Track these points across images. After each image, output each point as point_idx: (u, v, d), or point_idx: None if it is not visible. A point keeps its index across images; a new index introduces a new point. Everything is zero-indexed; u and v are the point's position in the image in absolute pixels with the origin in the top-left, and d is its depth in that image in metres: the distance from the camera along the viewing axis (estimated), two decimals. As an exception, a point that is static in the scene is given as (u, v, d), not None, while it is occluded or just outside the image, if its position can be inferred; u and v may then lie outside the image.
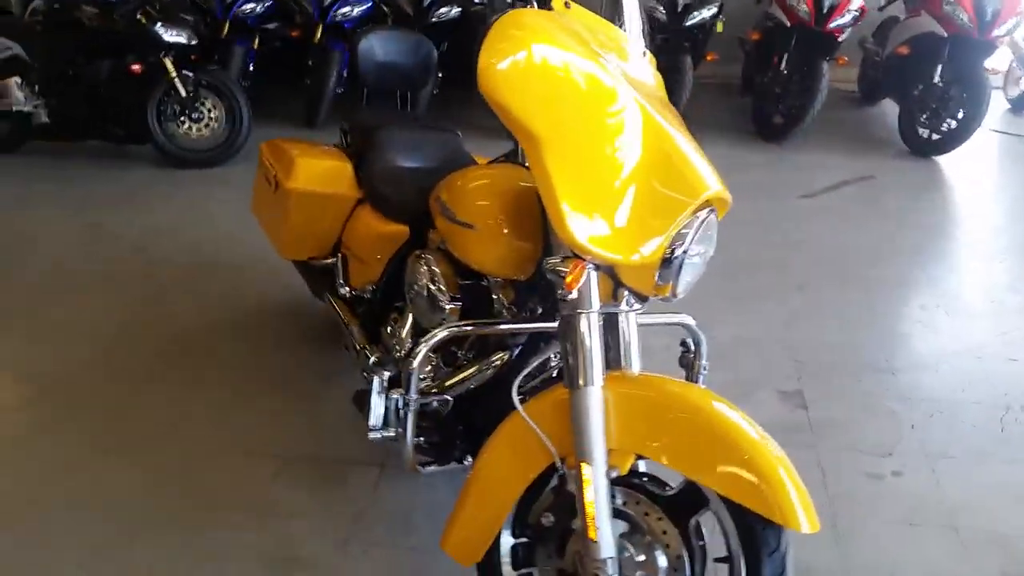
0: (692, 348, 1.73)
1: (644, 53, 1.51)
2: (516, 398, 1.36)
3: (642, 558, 1.32)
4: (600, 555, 1.27)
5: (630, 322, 1.41)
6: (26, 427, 2.31)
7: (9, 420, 2.36)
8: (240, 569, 1.79)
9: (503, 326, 1.59)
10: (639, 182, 1.24)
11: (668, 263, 1.24)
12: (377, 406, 1.57)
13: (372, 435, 1.60)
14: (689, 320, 1.72)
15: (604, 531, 1.27)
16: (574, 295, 1.29)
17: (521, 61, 1.19)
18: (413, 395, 1.56)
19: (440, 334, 1.52)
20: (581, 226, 1.20)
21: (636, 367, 1.41)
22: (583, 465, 1.27)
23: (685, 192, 1.23)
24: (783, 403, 2.49)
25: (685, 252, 1.24)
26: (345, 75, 5.19)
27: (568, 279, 1.26)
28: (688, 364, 1.73)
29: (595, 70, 1.23)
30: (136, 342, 2.77)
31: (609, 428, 1.29)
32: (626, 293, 1.37)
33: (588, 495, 1.26)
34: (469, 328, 1.57)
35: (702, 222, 1.25)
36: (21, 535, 1.88)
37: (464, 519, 1.42)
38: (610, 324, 1.41)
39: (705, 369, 1.72)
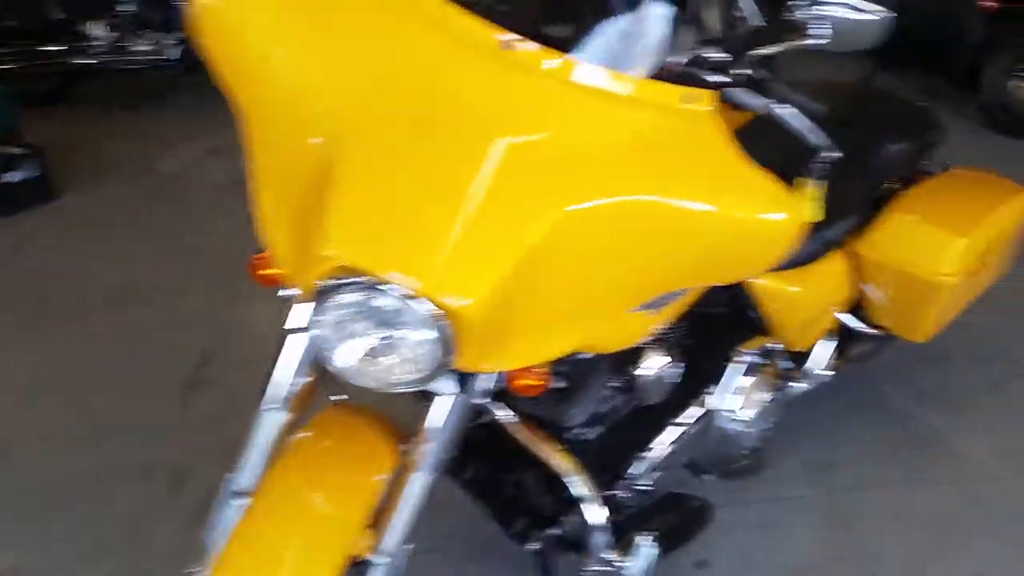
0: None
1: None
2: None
3: None
4: None
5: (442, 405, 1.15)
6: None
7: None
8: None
9: None
10: (308, 209, 0.99)
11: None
12: None
13: None
14: None
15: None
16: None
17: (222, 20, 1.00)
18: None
19: None
20: (273, 226, 1.08)
21: None
22: None
23: (317, 246, 0.94)
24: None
25: (318, 312, 0.95)
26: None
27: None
28: None
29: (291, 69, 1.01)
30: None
31: None
32: None
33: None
34: None
35: (336, 287, 0.92)
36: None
37: None
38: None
39: None
